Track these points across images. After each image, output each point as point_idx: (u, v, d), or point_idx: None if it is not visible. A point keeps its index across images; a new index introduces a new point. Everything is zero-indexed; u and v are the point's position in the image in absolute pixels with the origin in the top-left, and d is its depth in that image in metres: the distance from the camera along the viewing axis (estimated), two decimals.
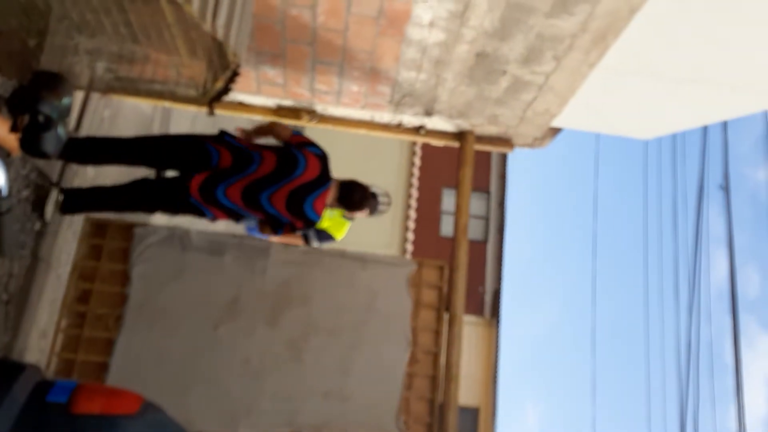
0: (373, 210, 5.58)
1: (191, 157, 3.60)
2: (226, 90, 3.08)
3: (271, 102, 3.99)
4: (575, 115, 3.90)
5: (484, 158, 17.37)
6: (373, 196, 5.71)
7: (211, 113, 3.42)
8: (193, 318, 3.59)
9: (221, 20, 2.44)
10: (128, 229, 3.73)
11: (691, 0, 2.93)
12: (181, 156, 3.64)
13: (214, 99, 3.24)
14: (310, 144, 3.77)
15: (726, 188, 9.34)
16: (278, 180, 3.58)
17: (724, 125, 9.26)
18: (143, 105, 4.81)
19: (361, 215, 4.28)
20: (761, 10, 2.93)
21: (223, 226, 5.74)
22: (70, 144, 3.56)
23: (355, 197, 3.90)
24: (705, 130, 9.44)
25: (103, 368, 3.50)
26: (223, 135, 3.73)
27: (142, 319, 3.57)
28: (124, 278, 3.63)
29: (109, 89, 3.37)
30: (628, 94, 3.82)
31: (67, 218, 3.83)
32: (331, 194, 3.79)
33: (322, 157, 3.75)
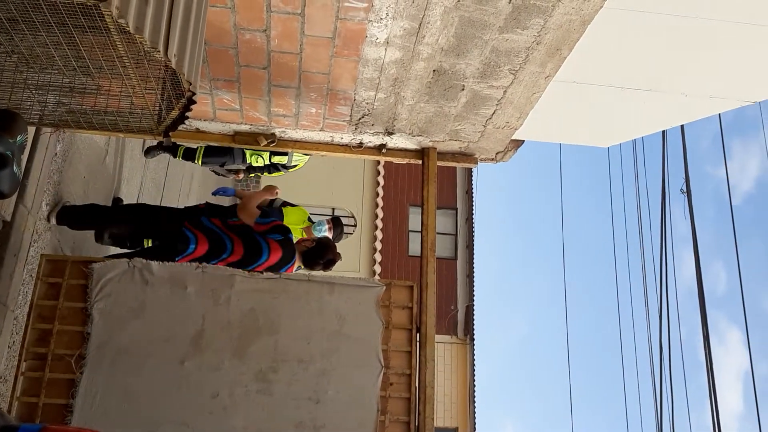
0: (340, 235, 5.59)
1: (169, 243, 4.09)
2: (182, 118, 3.02)
3: (227, 128, 3.94)
4: (536, 127, 3.92)
5: (449, 175, 17.46)
6: (337, 220, 5.70)
7: (169, 143, 3.36)
8: (158, 354, 3.49)
9: (174, 49, 2.39)
10: (86, 265, 3.62)
11: (644, 12, 2.97)
12: (159, 236, 4.22)
13: (170, 128, 3.18)
14: (271, 231, 4.20)
15: (688, 192, 9.50)
16: (246, 266, 3.99)
17: (682, 129, 9.41)
18: (96, 138, 4.72)
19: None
20: (710, 19, 3.00)
21: None
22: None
23: (317, 264, 4.34)
24: (664, 133, 9.59)
25: (67, 410, 3.39)
26: (200, 217, 4.25)
27: (105, 357, 3.46)
28: (85, 316, 3.52)
29: (61, 123, 3.29)
30: (586, 104, 3.86)
31: (23, 258, 3.72)
32: (298, 263, 4.31)
33: (283, 242, 4.19)
